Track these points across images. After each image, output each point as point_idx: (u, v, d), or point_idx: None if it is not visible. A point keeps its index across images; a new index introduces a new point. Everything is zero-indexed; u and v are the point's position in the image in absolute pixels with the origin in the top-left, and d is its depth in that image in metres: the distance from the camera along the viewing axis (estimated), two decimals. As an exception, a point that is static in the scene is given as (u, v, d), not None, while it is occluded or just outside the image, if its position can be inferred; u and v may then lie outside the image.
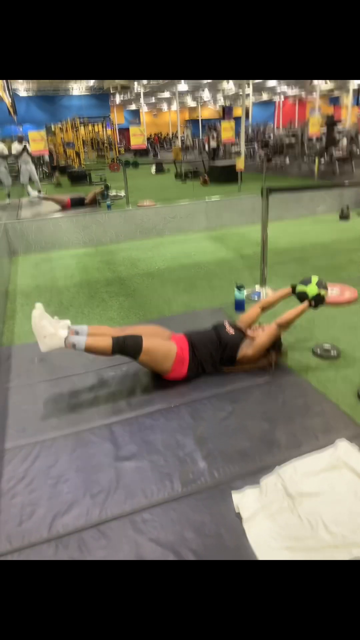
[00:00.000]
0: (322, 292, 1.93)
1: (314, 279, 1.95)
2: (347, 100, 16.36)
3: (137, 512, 1.24)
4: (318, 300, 1.93)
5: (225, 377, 1.88)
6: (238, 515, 1.21)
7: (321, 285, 1.93)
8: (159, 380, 1.87)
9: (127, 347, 1.68)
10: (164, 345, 1.77)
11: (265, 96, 23.61)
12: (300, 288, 1.96)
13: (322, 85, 16.08)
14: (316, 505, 1.23)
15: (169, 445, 1.50)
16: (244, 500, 1.26)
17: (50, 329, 1.66)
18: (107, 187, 6.56)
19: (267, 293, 2.86)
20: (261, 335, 1.87)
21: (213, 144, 11.54)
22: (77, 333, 1.73)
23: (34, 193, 6.45)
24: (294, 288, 2.00)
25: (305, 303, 1.92)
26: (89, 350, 1.68)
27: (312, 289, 1.92)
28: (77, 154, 12.57)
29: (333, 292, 2.75)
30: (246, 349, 1.89)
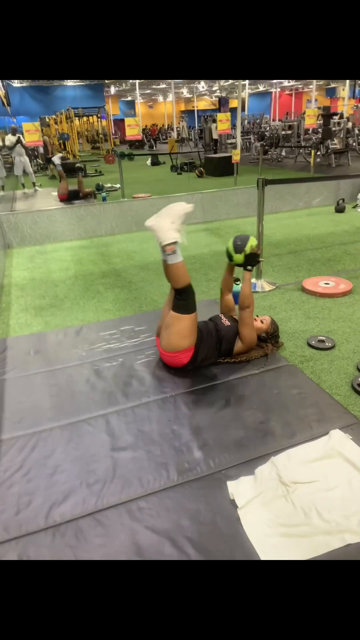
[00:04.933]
0: (247, 250, 1.76)
1: (230, 245, 1.83)
2: (344, 92, 16.24)
3: (134, 501, 1.25)
4: (249, 260, 1.79)
5: (220, 367, 1.89)
6: (233, 503, 1.23)
7: (237, 247, 1.77)
8: (155, 371, 1.88)
9: (192, 298, 1.68)
10: (195, 327, 1.76)
11: (261, 87, 23.37)
12: (232, 264, 1.88)
13: (319, 76, 15.89)
14: (310, 493, 1.24)
15: (165, 435, 1.51)
16: (239, 488, 1.27)
17: (177, 225, 1.60)
18: (80, 169, 6.55)
19: (262, 285, 2.87)
20: (240, 326, 1.85)
21: (214, 135, 11.41)
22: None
23: (57, 159, 6.14)
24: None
25: (245, 273, 1.83)
26: (176, 267, 1.62)
27: (238, 258, 1.81)
28: (63, 144, 12.32)
29: (328, 284, 2.76)
30: (239, 342, 1.89)
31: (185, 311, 1.68)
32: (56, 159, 6.17)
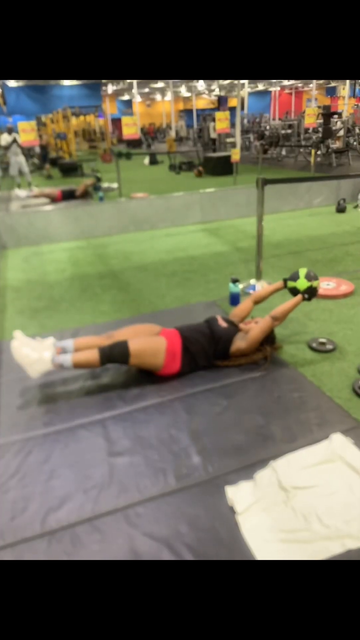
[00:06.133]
0: (314, 283, 1.93)
1: (302, 272, 1.95)
2: (344, 91, 16.23)
3: (131, 507, 1.23)
4: (311, 293, 1.94)
5: (219, 371, 1.86)
6: (232, 509, 1.21)
7: (310, 277, 1.93)
8: (153, 375, 1.85)
9: (115, 355, 1.69)
10: (152, 342, 1.76)
11: (261, 86, 23.35)
12: (290, 284, 1.97)
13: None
14: (310, 498, 1.23)
15: (163, 440, 1.49)
16: (238, 494, 1.26)
17: (33, 355, 1.64)
18: (98, 179, 6.43)
19: (262, 287, 2.85)
20: (255, 329, 1.87)
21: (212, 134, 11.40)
22: (63, 349, 1.73)
23: (22, 193, 6.29)
24: (285, 282, 2.00)
25: (299, 296, 1.93)
26: (77, 366, 1.69)
27: (302, 284, 1.93)
28: (68, 144, 12.30)
29: (329, 285, 2.74)
30: (239, 343, 1.87)
31: (126, 359, 1.70)
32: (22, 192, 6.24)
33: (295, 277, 1.95)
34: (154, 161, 11.60)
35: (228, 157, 7.58)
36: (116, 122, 20.59)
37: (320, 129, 9.12)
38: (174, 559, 1.07)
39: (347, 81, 15.26)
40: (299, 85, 22.87)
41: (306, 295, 1.93)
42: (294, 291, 1.95)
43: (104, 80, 16.75)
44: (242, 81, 13.70)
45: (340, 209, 5.02)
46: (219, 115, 6.86)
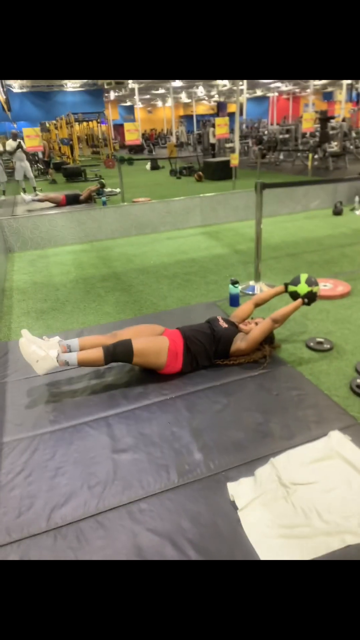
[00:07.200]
0: (314, 289, 1.96)
1: (303, 277, 1.98)
2: (341, 96, 16.37)
3: (134, 503, 1.26)
4: (311, 297, 1.97)
5: (219, 370, 1.90)
6: (233, 505, 1.23)
7: (311, 282, 1.97)
8: (155, 374, 1.89)
9: (118, 354, 1.73)
10: (155, 341, 1.79)
11: (259, 92, 23.57)
12: (291, 288, 2.00)
13: (316, 81, 16.08)
14: (310, 494, 1.25)
15: (165, 437, 1.52)
16: (239, 490, 1.28)
17: (40, 353, 1.68)
18: (102, 185, 6.47)
19: (261, 288, 2.89)
20: (255, 330, 1.90)
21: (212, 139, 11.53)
22: (68, 347, 1.77)
23: (27, 197, 6.37)
24: (286, 286, 2.04)
25: (299, 300, 1.96)
26: (82, 364, 1.74)
27: (302, 288, 1.96)
28: (72, 150, 12.45)
29: (326, 286, 2.78)
30: (239, 343, 1.91)
31: (130, 358, 1.74)
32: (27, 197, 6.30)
33: (296, 281, 1.99)
34: (155, 166, 11.70)
35: (227, 162, 7.67)
36: (118, 128, 20.79)
37: (317, 133, 9.21)
38: (177, 554, 1.09)
39: (344, 86, 15.40)
40: (297, 90, 23.08)
41: (306, 300, 1.96)
42: (295, 295, 1.99)
43: (106, 87, 16.90)
44: (240, 87, 13.83)
45: (337, 212, 5.07)
46: (218, 120, 6.95)
